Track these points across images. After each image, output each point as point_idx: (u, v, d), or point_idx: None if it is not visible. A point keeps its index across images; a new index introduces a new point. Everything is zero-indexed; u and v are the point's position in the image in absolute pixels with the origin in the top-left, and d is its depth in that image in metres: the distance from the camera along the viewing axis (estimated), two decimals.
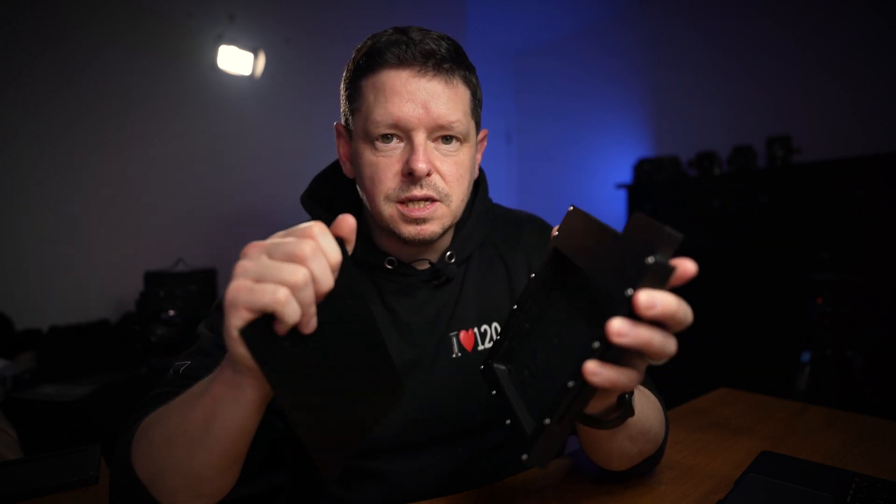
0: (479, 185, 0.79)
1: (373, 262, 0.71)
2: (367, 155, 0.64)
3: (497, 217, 0.82)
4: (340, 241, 0.41)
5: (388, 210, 0.64)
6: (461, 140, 0.65)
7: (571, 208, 0.46)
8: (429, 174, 0.62)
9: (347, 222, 0.41)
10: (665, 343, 0.37)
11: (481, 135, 0.73)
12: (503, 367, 0.52)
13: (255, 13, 2.73)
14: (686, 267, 0.36)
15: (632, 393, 0.46)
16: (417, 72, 0.61)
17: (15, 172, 2.14)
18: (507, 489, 0.65)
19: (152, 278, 2.16)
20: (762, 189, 2.68)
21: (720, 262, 2.82)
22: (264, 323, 0.37)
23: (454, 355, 0.71)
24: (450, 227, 0.68)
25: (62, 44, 2.21)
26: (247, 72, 2.65)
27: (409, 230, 0.64)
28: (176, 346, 1.81)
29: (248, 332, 0.37)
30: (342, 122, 0.72)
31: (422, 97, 0.61)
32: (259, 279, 0.37)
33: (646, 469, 0.65)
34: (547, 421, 0.40)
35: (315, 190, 0.76)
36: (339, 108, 0.73)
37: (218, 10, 2.60)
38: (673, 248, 0.35)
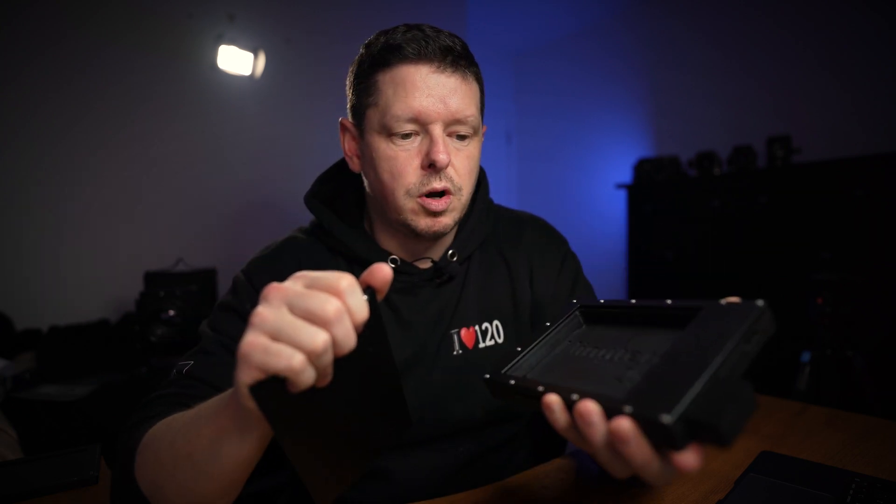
0: (479, 184, 0.79)
1: (376, 260, 0.71)
2: (384, 149, 0.64)
3: (499, 216, 0.82)
4: (371, 291, 0.38)
5: (410, 204, 0.65)
6: (472, 134, 0.67)
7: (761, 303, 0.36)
8: (447, 165, 0.63)
9: (383, 273, 0.38)
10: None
11: (482, 130, 0.74)
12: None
13: (255, 13, 2.73)
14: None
15: None
16: (437, 68, 0.62)
17: (15, 172, 2.14)
18: (508, 489, 0.65)
19: (152, 278, 2.16)
20: (762, 189, 2.68)
21: (720, 262, 2.82)
22: (275, 380, 0.35)
23: (455, 352, 0.71)
24: (459, 220, 0.69)
25: (62, 44, 2.21)
26: (247, 72, 2.65)
27: (426, 223, 0.65)
28: (176, 346, 1.81)
29: (257, 388, 0.35)
30: (349, 117, 0.71)
31: (440, 92, 0.62)
32: (276, 337, 0.34)
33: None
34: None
35: (318, 189, 0.76)
36: (344, 104, 0.73)
37: (218, 10, 2.60)
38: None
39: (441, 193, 0.64)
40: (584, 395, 0.35)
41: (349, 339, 0.36)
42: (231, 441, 0.41)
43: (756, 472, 0.65)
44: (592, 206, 3.95)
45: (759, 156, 2.82)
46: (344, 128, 0.72)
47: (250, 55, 2.63)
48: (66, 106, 2.24)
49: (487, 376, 0.47)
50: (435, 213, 0.65)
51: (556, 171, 4.25)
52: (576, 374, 0.43)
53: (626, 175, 3.61)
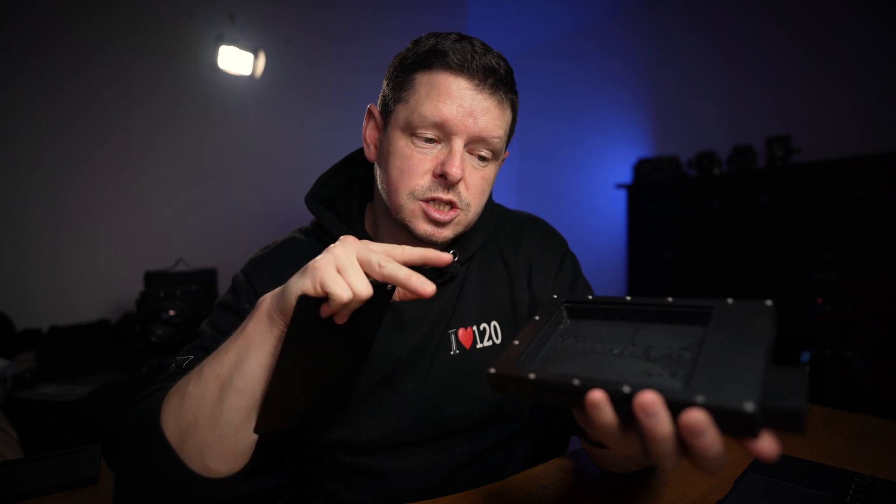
0: None
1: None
2: (402, 146, 0.64)
3: (500, 217, 0.82)
4: (392, 290, 0.50)
5: (411, 206, 0.65)
6: (492, 157, 0.67)
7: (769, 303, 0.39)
8: (459, 181, 0.64)
9: (444, 259, 0.52)
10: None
11: (504, 155, 0.74)
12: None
13: (255, 13, 2.73)
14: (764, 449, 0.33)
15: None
16: (476, 85, 0.62)
17: (15, 172, 2.14)
18: (507, 489, 0.65)
19: (152, 278, 2.16)
20: (762, 189, 2.68)
21: (720, 262, 2.82)
22: (317, 301, 0.45)
23: (453, 352, 0.71)
24: (460, 234, 0.69)
25: (62, 44, 2.21)
26: (247, 72, 2.65)
27: (425, 229, 0.65)
28: (176, 346, 1.80)
29: (304, 298, 0.45)
30: (378, 105, 0.71)
31: (472, 108, 0.62)
32: (341, 271, 0.45)
33: (647, 474, 0.65)
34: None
35: (319, 190, 0.76)
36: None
37: (218, 10, 2.60)
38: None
39: (448, 205, 0.64)
40: (635, 387, 0.34)
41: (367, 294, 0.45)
42: (253, 347, 0.48)
43: (756, 472, 0.65)
44: (592, 206, 3.95)
45: (758, 156, 2.82)
46: (370, 114, 0.72)
47: (250, 55, 2.63)
48: (67, 106, 2.24)
49: (493, 371, 0.43)
50: (437, 223, 0.65)
51: (556, 171, 4.25)
52: (592, 367, 0.42)
53: (625, 175, 3.61)
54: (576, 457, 0.72)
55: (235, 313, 0.66)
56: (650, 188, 3.22)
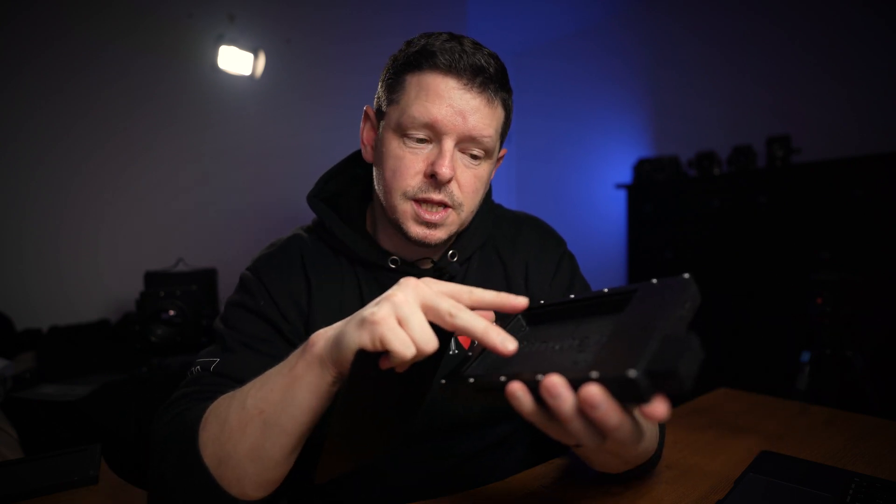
0: None
1: (376, 260, 0.71)
2: (394, 147, 0.65)
3: (499, 217, 0.82)
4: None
5: (403, 206, 0.65)
6: (485, 155, 0.67)
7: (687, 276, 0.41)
8: (449, 181, 0.64)
9: (517, 305, 0.46)
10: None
11: (501, 153, 0.74)
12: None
13: (255, 13, 2.73)
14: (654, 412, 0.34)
15: None
16: (465, 84, 0.63)
17: (15, 172, 2.14)
18: (507, 489, 0.65)
19: (152, 278, 2.16)
20: (762, 189, 2.68)
21: (720, 262, 2.82)
22: (377, 353, 0.42)
23: (451, 352, 0.71)
24: (455, 234, 0.69)
25: (62, 44, 2.21)
26: (247, 72, 2.65)
27: (417, 231, 0.65)
28: (176, 346, 1.81)
29: (362, 353, 0.42)
30: (374, 107, 0.72)
31: (461, 107, 0.62)
32: (403, 323, 0.41)
33: (641, 474, 0.65)
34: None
35: (321, 189, 0.76)
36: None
37: (218, 10, 2.60)
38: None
39: (439, 206, 0.65)
40: (546, 374, 0.37)
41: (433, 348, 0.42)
42: (302, 389, 0.46)
43: (756, 472, 0.65)
44: (592, 206, 3.95)
45: (758, 156, 2.82)
46: (367, 116, 0.73)
47: (250, 55, 2.63)
48: (67, 106, 2.24)
49: (443, 381, 0.47)
50: (429, 225, 0.65)
51: (556, 171, 4.25)
52: (531, 365, 0.44)
53: (625, 175, 3.61)
54: (576, 457, 0.72)
55: (248, 311, 0.67)
56: (650, 188, 3.22)
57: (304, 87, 2.89)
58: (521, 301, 0.45)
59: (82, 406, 1.60)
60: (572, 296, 0.48)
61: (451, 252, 0.73)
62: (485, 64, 0.63)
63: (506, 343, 0.41)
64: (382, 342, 0.40)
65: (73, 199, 2.27)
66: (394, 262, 0.71)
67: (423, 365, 0.45)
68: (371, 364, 0.43)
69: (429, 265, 0.73)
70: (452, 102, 0.62)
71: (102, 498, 0.65)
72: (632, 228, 3.31)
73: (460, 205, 0.66)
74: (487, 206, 0.79)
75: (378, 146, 0.69)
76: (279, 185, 2.82)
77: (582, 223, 3.94)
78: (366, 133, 0.73)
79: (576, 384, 0.35)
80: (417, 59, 0.64)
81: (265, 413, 0.48)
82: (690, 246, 2.96)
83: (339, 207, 0.75)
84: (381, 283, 0.72)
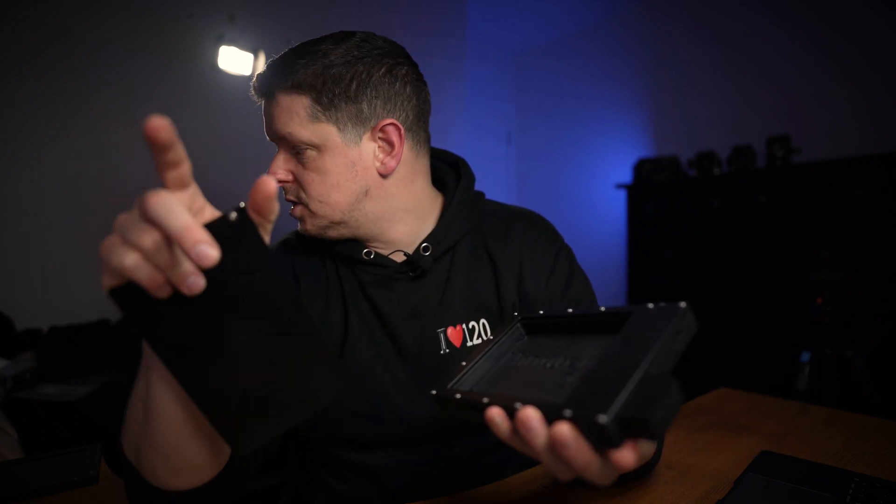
0: (460, 178, 0.78)
1: (352, 253, 0.72)
2: None
3: (488, 212, 0.80)
4: (241, 210, 0.38)
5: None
6: (308, 149, 0.65)
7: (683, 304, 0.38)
8: (288, 182, 0.68)
9: (264, 188, 0.40)
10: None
11: (381, 124, 0.66)
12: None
13: (255, 13, 2.73)
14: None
15: None
16: (261, 98, 0.69)
17: (15, 172, 2.14)
18: (507, 489, 0.65)
19: None
20: (762, 189, 2.68)
21: (720, 262, 2.82)
22: (132, 285, 0.34)
23: (442, 351, 0.71)
24: (333, 225, 0.69)
25: (62, 44, 2.21)
26: (247, 72, 2.65)
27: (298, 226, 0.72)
28: None
29: (117, 292, 0.34)
30: None
31: (265, 119, 0.69)
32: (124, 239, 0.34)
33: (638, 476, 0.65)
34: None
35: None
36: None
37: (218, 10, 2.60)
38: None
39: (293, 203, 0.70)
40: (525, 404, 0.36)
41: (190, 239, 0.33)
42: (152, 367, 0.43)
43: (756, 472, 0.65)
44: (592, 206, 3.95)
45: (758, 156, 2.82)
46: None
47: (250, 55, 2.63)
48: (67, 106, 2.24)
49: (434, 392, 0.47)
50: (297, 219, 0.71)
51: (556, 171, 4.25)
52: (519, 384, 0.44)
53: (625, 175, 3.61)
54: None
55: None
56: (650, 188, 3.22)
57: None
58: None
59: (82, 406, 1.60)
60: (570, 310, 0.48)
61: (423, 245, 0.72)
62: (268, 72, 0.67)
63: (200, 251, 0.32)
64: (110, 268, 0.34)
65: (73, 198, 2.27)
66: (367, 253, 0.71)
67: (242, 281, 0.37)
68: (149, 301, 0.35)
69: (402, 257, 0.73)
70: (264, 117, 0.69)
71: (102, 498, 0.65)
72: (632, 228, 3.31)
73: (305, 199, 0.68)
74: (466, 196, 0.77)
75: None
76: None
77: (582, 223, 3.94)
78: None
79: (550, 418, 0.35)
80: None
81: (143, 399, 0.45)
82: (690, 246, 2.96)
83: None
84: (359, 277, 0.72)
